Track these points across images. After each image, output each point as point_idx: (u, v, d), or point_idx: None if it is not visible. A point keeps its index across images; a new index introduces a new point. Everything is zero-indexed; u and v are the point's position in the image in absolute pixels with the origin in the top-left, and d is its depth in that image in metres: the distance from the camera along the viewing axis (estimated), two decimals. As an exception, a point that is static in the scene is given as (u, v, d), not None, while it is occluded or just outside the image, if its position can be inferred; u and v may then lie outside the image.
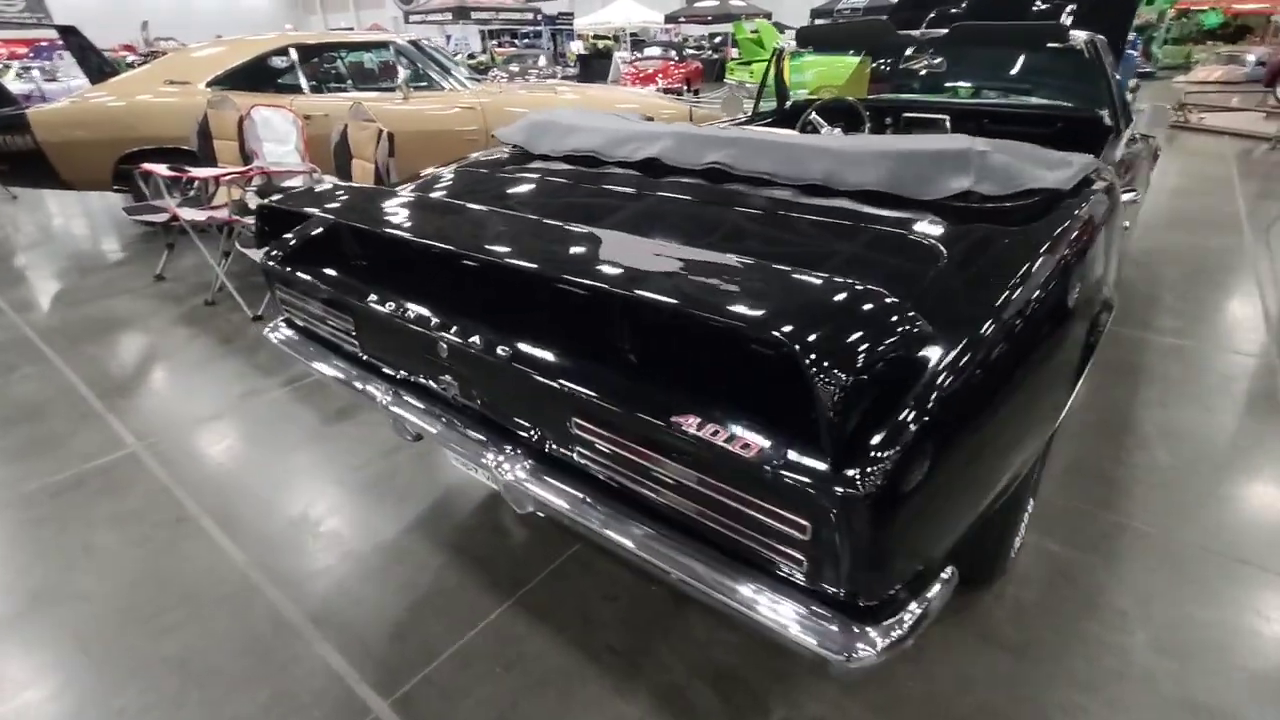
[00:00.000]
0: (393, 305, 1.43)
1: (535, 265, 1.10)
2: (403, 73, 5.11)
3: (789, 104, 3.73)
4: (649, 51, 16.29)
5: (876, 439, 0.85)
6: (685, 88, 14.06)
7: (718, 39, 21.00)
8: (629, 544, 1.10)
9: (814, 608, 0.93)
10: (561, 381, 1.12)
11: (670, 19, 21.11)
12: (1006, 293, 1.11)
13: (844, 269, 1.17)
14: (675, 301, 0.91)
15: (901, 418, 0.87)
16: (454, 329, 1.30)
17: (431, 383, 1.46)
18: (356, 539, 2.02)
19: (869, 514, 0.83)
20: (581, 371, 1.12)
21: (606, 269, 1.06)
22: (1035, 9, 3.66)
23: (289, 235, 1.80)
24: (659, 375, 1.06)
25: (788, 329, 0.81)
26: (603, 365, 1.11)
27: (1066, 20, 3.37)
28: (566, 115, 2.11)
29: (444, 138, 5.05)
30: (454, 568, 1.90)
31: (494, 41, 22.53)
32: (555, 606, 1.75)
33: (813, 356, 0.79)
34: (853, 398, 0.82)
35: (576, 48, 20.52)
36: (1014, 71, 3.26)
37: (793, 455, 0.87)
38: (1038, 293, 1.15)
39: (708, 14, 19.95)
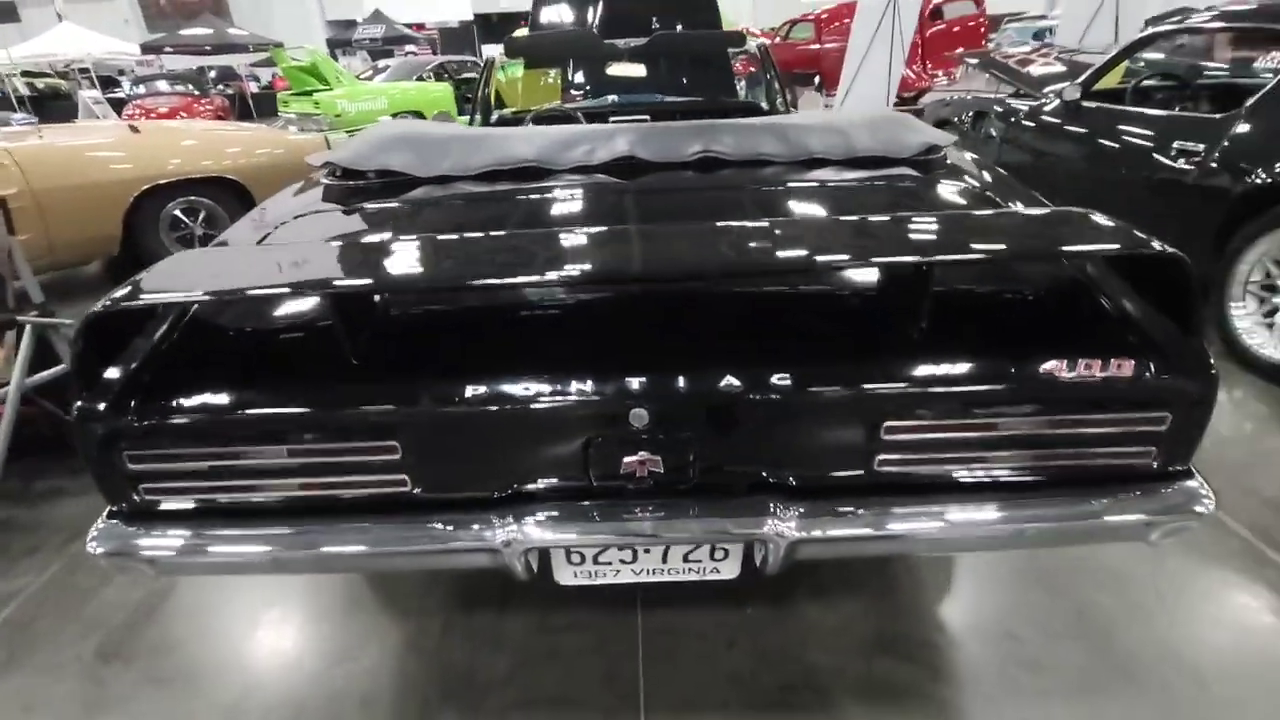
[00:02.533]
0: (520, 390, 0.97)
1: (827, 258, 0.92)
2: None
3: (495, 117, 3.60)
4: (159, 86, 12.96)
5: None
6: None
7: (213, 73, 18.13)
8: (976, 533, 1.04)
9: (1159, 489, 1.05)
10: (876, 384, 0.97)
11: (150, 49, 17.23)
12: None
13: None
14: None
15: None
16: (674, 383, 0.96)
17: (591, 478, 1.04)
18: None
19: (1217, 381, 0.99)
20: (880, 365, 0.99)
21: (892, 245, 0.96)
22: (654, 28, 4.31)
23: (140, 357, 1.01)
24: (938, 339, 1.01)
25: (1161, 246, 0.91)
26: (885, 350, 1.00)
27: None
28: (440, 128, 1.67)
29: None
30: (542, 729, 1.40)
31: None
32: (693, 688, 1.47)
33: (1186, 269, 0.91)
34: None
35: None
36: (701, 73, 3.79)
37: (1147, 357, 0.97)
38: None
39: (204, 44, 16.97)
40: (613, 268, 0.92)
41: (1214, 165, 2.80)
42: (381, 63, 14.52)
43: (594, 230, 1.05)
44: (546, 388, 0.98)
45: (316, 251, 1.02)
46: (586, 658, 1.55)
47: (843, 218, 1.06)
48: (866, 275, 1.13)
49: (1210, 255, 2.77)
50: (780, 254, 0.96)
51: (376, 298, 1.08)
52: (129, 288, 0.94)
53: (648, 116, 3.37)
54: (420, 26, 25.20)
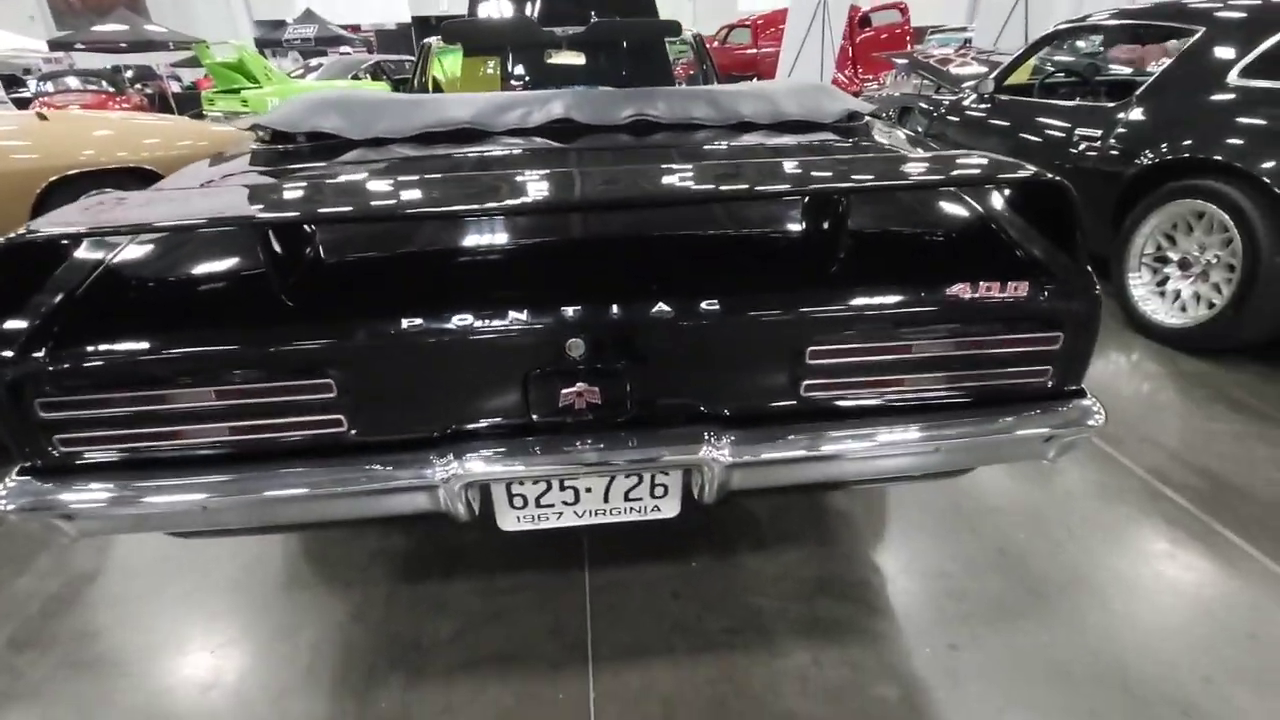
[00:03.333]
0: (456, 323, 0.98)
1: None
2: None
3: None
4: (70, 82, 12.15)
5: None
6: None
7: (129, 72, 17.20)
8: (896, 453, 1.11)
9: (1057, 406, 1.15)
10: (800, 309, 1.03)
11: (59, 46, 16.19)
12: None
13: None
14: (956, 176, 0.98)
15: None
16: (609, 311, 1.00)
17: (530, 412, 1.06)
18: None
19: (1100, 301, 1.09)
20: (803, 293, 1.04)
21: (805, 178, 1.02)
22: (592, 18, 4.37)
23: (53, 297, 0.97)
24: (843, 267, 1.08)
25: (1049, 176, 1.00)
26: (808, 279, 1.06)
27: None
28: (374, 94, 1.67)
29: None
30: (504, 681, 1.40)
31: None
32: (640, 636, 1.50)
33: (1069, 195, 1.01)
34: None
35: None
36: (639, 64, 3.85)
37: (1040, 281, 1.07)
38: None
39: (119, 40, 16.04)
40: (544, 197, 0.95)
41: (1110, 150, 3.04)
42: (314, 61, 14.09)
43: (526, 170, 1.07)
44: (483, 320, 1.00)
45: (243, 191, 1.01)
46: (534, 615, 1.56)
47: (767, 160, 1.12)
48: (790, 211, 1.20)
49: (1110, 232, 3.01)
50: (706, 185, 1.01)
51: (308, 237, 1.07)
52: (37, 223, 0.91)
53: None
54: (355, 28, 24.56)
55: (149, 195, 1.03)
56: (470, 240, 1.15)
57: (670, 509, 1.21)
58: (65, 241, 1.01)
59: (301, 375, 0.99)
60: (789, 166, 1.04)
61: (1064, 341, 1.10)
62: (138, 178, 4.16)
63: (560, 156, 1.47)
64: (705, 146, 1.54)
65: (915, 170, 1.05)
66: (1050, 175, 1.00)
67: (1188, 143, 2.68)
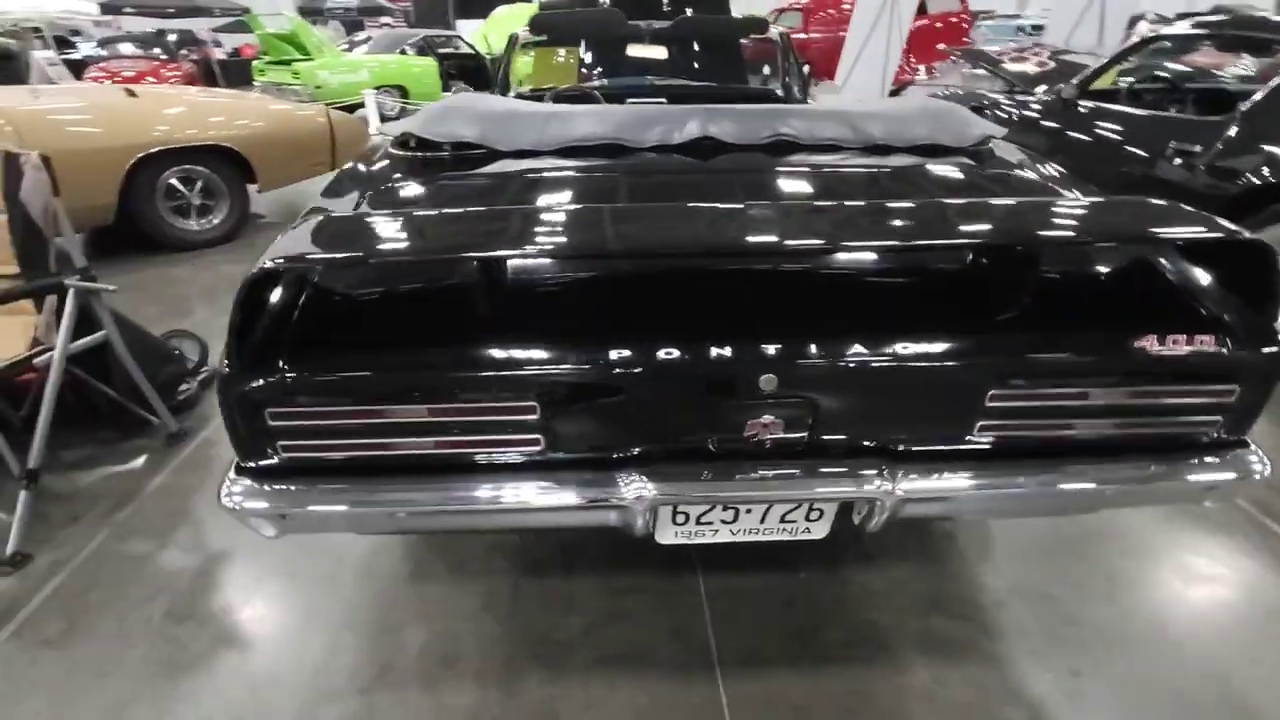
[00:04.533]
0: (659, 355, 1.03)
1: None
2: None
3: (513, 95, 3.58)
4: (123, 49, 12.31)
5: None
6: (189, 93, 11.24)
7: (172, 37, 17.36)
8: (1062, 494, 1.14)
9: (1224, 456, 1.16)
10: (989, 356, 1.05)
11: (110, 9, 16.38)
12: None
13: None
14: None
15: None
16: (799, 353, 1.03)
17: (715, 439, 1.11)
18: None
19: None
20: (993, 339, 1.07)
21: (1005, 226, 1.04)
22: (665, 9, 4.32)
23: (294, 316, 1.04)
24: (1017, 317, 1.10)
25: (1250, 235, 1.01)
26: (993, 325, 1.09)
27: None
28: (503, 102, 1.71)
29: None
30: (636, 680, 1.47)
31: None
32: (760, 643, 1.56)
33: (1270, 255, 1.02)
34: None
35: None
36: (721, 58, 3.82)
37: (1224, 335, 1.08)
38: None
39: (168, 6, 16.21)
40: (774, 242, 0.99)
41: (1210, 167, 2.97)
42: (359, 35, 14.09)
43: (748, 204, 1.11)
44: (682, 353, 1.04)
45: (467, 216, 1.06)
46: (654, 617, 1.63)
47: (955, 200, 1.13)
48: (976, 256, 1.21)
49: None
50: (908, 236, 1.03)
51: (511, 262, 1.12)
52: (289, 246, 0.97)
53: (664, 100, 3.42)
54: (396, -2, 24.44)
55: (366, 220, 1.08)
56: (671, 270, 1.18)
57: (821, 531, 1.25)
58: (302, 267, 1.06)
59: (508, 398, 1.05)
60: (979, 215, 1.06)
61: (1240, 395, 1.12)
62: (216, 156, 4.26)
63: (718, 179, 1.49)
64: (849, 170, 1.56)
65: (1108, 222, 1.06)
66: (1251, 235, 1.01)
67: (1297, 165, 2.62)
